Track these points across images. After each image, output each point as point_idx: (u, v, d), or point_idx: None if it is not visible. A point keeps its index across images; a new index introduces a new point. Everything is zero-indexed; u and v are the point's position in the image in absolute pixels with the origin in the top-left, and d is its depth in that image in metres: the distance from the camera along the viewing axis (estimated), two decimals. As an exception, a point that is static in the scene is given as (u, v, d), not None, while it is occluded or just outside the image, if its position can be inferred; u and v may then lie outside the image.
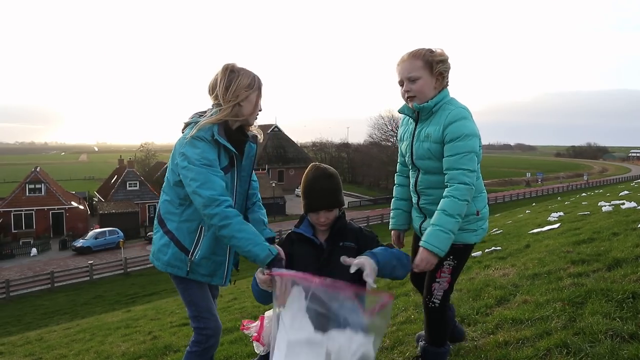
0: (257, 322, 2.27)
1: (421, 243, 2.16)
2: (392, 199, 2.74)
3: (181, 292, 2.35)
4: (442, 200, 2.18)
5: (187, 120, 2.32)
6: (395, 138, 67.91)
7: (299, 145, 73.67)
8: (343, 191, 2.24)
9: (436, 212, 2.19)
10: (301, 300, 1.83)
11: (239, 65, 2.28)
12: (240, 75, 2.24)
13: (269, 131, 67.44)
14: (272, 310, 1.98)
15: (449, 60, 2.30)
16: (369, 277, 1.83)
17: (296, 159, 66.81)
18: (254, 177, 2.50)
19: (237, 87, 2.22)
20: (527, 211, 18.39)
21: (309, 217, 2.14)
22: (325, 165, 2.17)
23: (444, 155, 2.21)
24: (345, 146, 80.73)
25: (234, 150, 2.23)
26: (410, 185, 2.50)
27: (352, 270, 1.87)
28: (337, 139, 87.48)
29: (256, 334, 2.22)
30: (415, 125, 2.37)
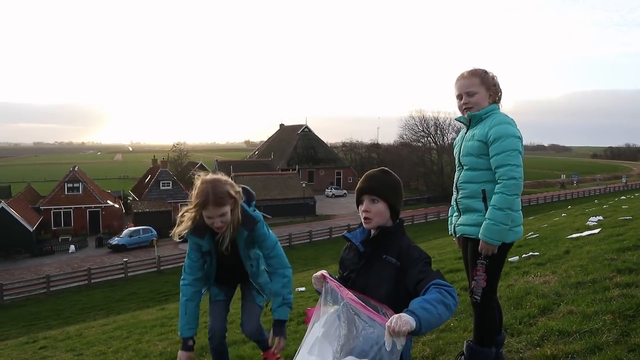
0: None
1: (480, 235, 2.46)
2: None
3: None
4: (493, 196, 2.44)
5: None
6: (426, 139, 67.27)
7: (329, 145, 73.74)
8: None
9: (489, 208, 2.46)
10: (334, 321, 1.80)
11: (218, 177, 2.52)
12: (194, 191, 2.48)
13: (299, 132, 67.73)
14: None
15: (498, 81, 2.69)
16: (387, 339, 1.54)
17: (326, 159, 66.91)
18: (269, 253, 2.67)
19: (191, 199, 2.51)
20: (562, 214, 17.87)
21: (359, 210, 2.06)
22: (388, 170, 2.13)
23: (491, 155, 2.49)
24: (375, 147, 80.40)
25: (207, 246, 2.59)
26: (453, 184, 2.76)
27: (388, 347, 1.54)
28: (367, 139, 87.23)
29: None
30: (467, 130, 2.70)
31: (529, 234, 9.74)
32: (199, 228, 2.53)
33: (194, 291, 2.67)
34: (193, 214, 2.48)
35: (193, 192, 2.48)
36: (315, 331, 1.83)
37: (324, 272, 1.96)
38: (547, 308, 3.27)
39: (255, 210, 2.66)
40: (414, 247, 1.94)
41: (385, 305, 1.75)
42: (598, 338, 2.54)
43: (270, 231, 2.69)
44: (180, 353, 2.63)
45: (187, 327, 2.66)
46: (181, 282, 2.69)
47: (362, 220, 2.02)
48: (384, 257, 1.94)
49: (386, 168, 2.10)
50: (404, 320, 1.49)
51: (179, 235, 2.55)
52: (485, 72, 2.64)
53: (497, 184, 2.44)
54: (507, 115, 2.57)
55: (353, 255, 2.06)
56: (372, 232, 2.02)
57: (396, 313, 1.58)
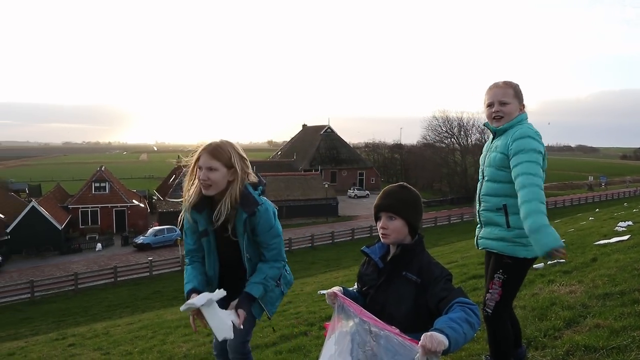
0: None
1: (539, 255, 2.29)
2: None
3: None
4: (520, 208, 2.33)
5: None
6: (449, 139, 66.55)
7: (351, 146, 73.59)
8: None
9: (523, 222, 2.31)
10: (345, 336, 1.80)
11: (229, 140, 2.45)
12: None
13: (321, 132, 67.77)
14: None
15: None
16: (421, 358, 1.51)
17: (349, 160, 66.77)
18: (268, 243, 2.46)
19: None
20: (590, 218, 17.44)
21: (377, 225, 2.04)
22: (409, 185, 2.11)
23: (512, 166, 2.43)
24: (398, 147, 79.85)
25: (203, 222, 2.44)
26: (476, 195, 2.73)
27: None
28: (389, 139, 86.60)
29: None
30: (492, 139, 2.70)
31: (555, 239, 9.55)
32: (198, 203, 2.40)
33: (199, 268, 2.52)
34: (192, 168, 2.38)
35: None
36: (329, 348, 1.83)
37: (336, 289, 1.95)
38: (572, 320, 3.22)
39: (260, 196, 2.43)
40: (435, 264, 1.92)
41: (394, 326, 1.69)
42: (626, 356, 2.48)
43: (278, 223, 2.47)
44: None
45: (188, 285, 2.45)
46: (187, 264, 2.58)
47: (380, 236, 2.02)
48: (404, 274, 1.92)
49: (405, 184, 2.08)
50: (438, 340, 1.49)
51: (185, 203, 2.42)
52: (518, 85, 2.65)
53: (518, 193, 2.35)
54: (531, 127, 2.52)
55: (372, 270, 2.05)
56: (391, 247, 2.01)
57: (414, 331, 1.60)
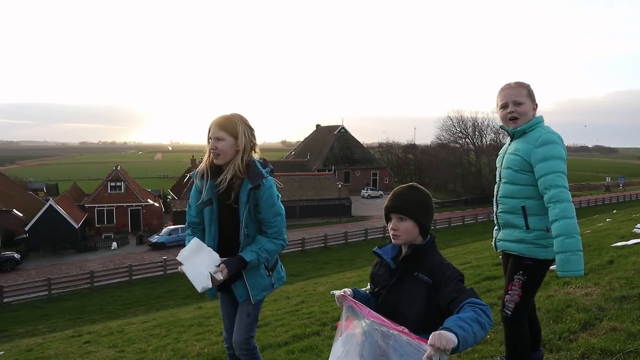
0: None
1: (559, 273, 2.34)
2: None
3: None
4: (553, 225, 2.33)
5: None
6: (463, 140, 66.04)
7: (365, 146, 73.44)
8: None
9: (556, 240, 2.33)
10: (352, 338, 1.80)
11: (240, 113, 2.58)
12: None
13: (335, 132, 67.76)
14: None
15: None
16: (431, 355, 1.51)
17: (362, 160, 66.65)
18: (269, 221, 2.52)
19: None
20: (607, 219, 17.20)
21: (387, 226, 2.05)
22: (419, 185, 2.11)
23: (537, 175, 2.43)
24: (412, 147, 79.48)
25: (208, 190, 2.55)
26: (494, 197, 2.71)
27: None
28: (403, 140, 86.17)
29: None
30: (510, 142, 2.67)
31: (571, 240, 9.42)
32: (206, 172, 2.54)
33: (200, 238, 2.60)
34: (207, 142, 2.52)
35: None
36: (337, 350, 1.84)
37: (347, 291, 1.95)
38: (588, 323, 3.17)
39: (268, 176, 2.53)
40: (447, 265, 1.91)
41: (404, 327, 1.69)
42: (643, 359, 2.45)
43: (280, 203, 2.55)
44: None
45: (189, 238, 2.67)
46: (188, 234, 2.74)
47: (391, 237, 2.02)
48: (416, 274, 1.92)
49: (415, 184, 2.07)
50: (447, 338, 1.49)
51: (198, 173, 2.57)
52: (530, 85, 2.63)
53: (549, 207, 2.37)
54: (552, 131, 2.50)
55: (384, 271, 2.05)
56: (403, 248, 2.01)
57: (426, 331, 1.58)
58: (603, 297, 3.77)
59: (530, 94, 2.59)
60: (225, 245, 2.56)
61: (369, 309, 1.79)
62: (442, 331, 1.51)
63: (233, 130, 2.46)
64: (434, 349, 1.48)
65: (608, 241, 8.07)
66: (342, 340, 1.83)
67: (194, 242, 2.46)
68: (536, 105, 2.62)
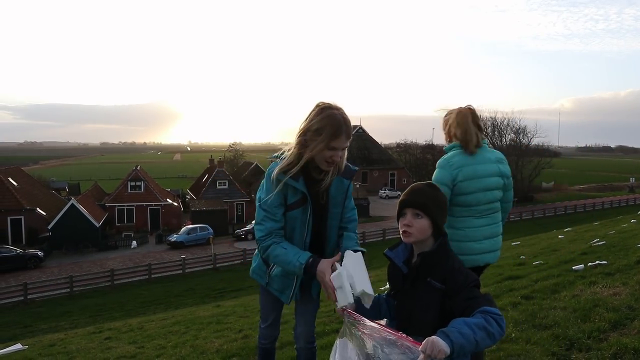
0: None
1: None
2: None
3: (260, 296, 2.71)
4: None
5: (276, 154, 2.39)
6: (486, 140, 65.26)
7: (383, 146, 73.12)
8: None
9: None
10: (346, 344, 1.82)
11: (336, 104, 2.27)
12: (316, 117, 2.23)
13: (353, 132, 67.43)
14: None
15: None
16: None
17: (380, 160, 66.43)
18: (350, 215, 2.48)
19: (306, 127, 2.24)
20: (632, 220, 16.75)
21: (398, 222, 1.95)
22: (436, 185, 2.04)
23: None
24: (430, 148, 78.79)
25: (301, 189, 2.26)
26: None
27: None
28: (421, 140, 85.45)
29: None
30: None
31: (594, 240, 9.21)
32: (298, 172, 2.23)
33: (291, 243, 2.29)
34: (320, 145, 2.18)
35: (311, 120, 2.23)
36: (333, 356, 1.86)
37: (345, 306, 1.91)
38: (618, 323, 3.08)
39: None
40: (459, 271, 1.81)
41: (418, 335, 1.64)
42: (679, 359, 2.35)
43: None
44: (318, 268, 2.13)
45: (296, 256, 2.19)
46: (262, 245, 2.28)
47: (401, 234, 1.91)
48: (428, 280, 1.83)
49: (433, 182, 2.02)
50: (439, 347, 1.47)
51: (280, 171, 2.22)
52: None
53: None
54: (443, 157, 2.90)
55: (397, 274, 1.98)
56: (415, 247, 1.93)
57: None
58: (632, 297, 3.66)
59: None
60: (312, 246, 2.38)
61: (364, 318, 1.75)
62: (436, 338, 1.50)
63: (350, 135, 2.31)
64: (424, 356, 1.47)
65: (634, 241, 7.87)
66: (337, 347, 1.85)
67: (357, 255, 2.11)
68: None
